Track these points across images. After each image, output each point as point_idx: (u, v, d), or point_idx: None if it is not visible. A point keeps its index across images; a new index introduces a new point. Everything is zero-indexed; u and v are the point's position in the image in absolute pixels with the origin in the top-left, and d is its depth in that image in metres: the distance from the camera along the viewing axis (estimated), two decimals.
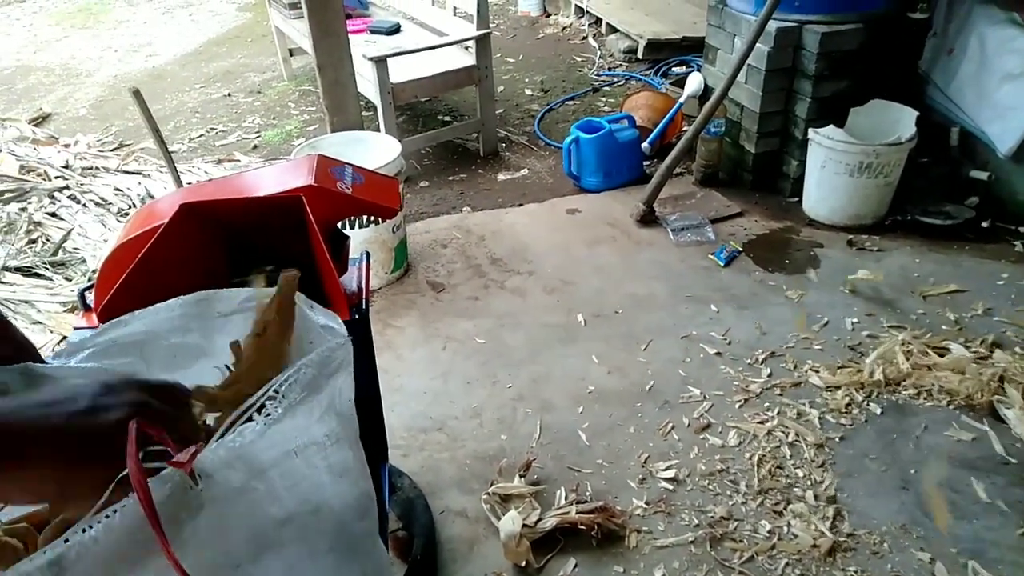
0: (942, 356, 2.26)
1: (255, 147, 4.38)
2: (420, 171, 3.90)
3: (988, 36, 2.85)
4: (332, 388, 0.67)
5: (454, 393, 2.32)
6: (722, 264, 2.84)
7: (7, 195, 3.41)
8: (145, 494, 0.48)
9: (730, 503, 1.89)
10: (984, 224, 2.93)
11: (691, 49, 4.83)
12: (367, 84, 3.59)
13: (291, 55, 5.34)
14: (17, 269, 2.94)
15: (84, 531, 0.47)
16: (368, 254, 1.57)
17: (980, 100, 2.91)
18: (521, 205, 3.45)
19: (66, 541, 0.47)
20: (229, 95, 5.30)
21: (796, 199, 3.23)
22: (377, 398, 1.88)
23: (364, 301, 1.45)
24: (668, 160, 3.10)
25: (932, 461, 1.96)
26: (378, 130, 3.56)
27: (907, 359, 2.25)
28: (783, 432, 2.07)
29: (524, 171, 3.82)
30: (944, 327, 2.40)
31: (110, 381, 0.54)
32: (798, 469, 1.96)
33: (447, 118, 4.54)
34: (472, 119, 4.04)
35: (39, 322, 2.68)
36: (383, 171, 2.52)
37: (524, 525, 1.80)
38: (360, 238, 2.65)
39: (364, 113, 4.41)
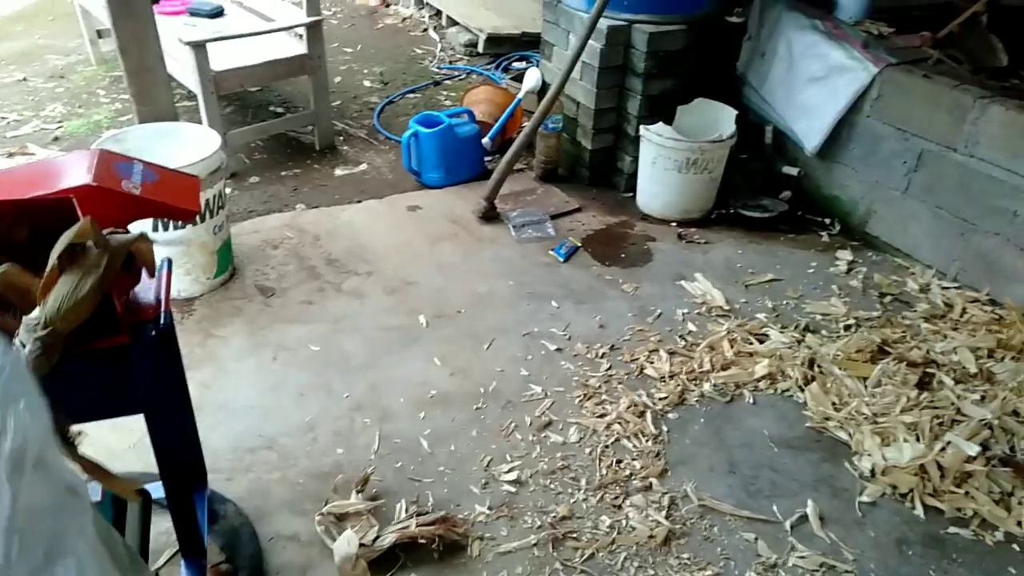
0: (762, 343, 2.40)
1: (56, 139, 3.89)
2: (249, 165, 3.64)
3: (794, 41, 3.07)
4: None
5: (285, 407, 2.16)
6: (562, 260, 2.87)
7: None
8: None
9: (571, 501, 1.89)
10: (799, 214, 3.17)
11: (531, 44, 4.87)
12: (185, 71, 3.28)
13: (99, 37, 4.79)
14: None
15: None
16: (169, 261, 1.39)
17: (788, 100, 3.14)
18: (359, 202, 3.31)
19: None
20: (25, 79, 4.68)
21: (631, 194, 3.33)
22: (189, 419, 1.70)
23: (163, 314, 1.28)
24: (507, 156, 3.08)
25: (756, 444, 2.07)
26: (200, 122, 3.27)
27: (732, 347, 2.37)
28: (621, 425, 2.11)
29: (363, 166, 3.67)
30: (763, 315, 2.56)
31: None
32: (636, 461, 2.00)
33: (280, 109, 4.28)
34: (306, 111, 3.83)
35: None
36: (200, 166, 2.30)
37: (361, 544, 1.70)
38: (173, 240, 2.40)
39: (186, 103, 4.07)
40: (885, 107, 2.80)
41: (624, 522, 1.83)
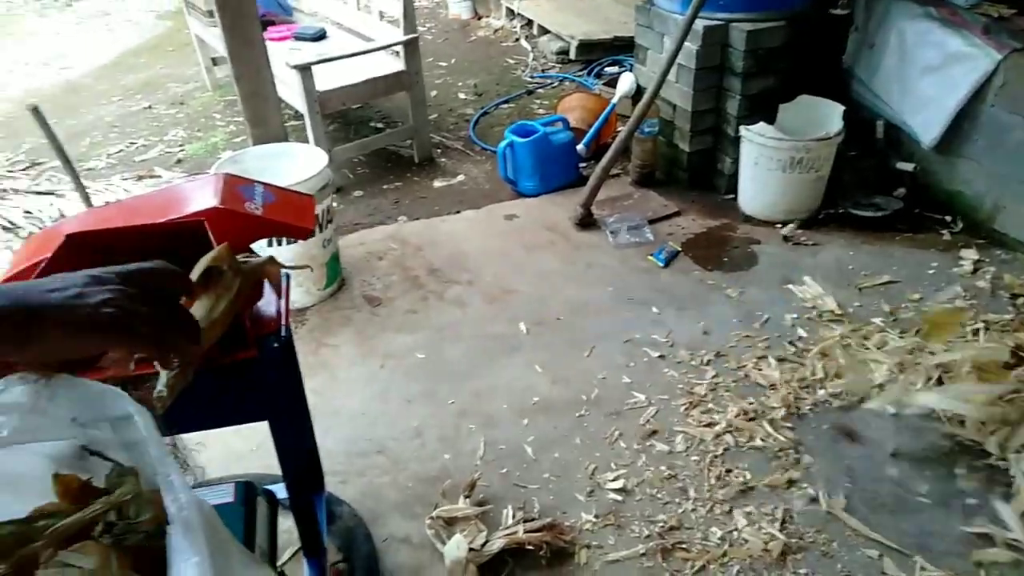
0: (880, 348, 2.28)
1: (179, 161, 4.19)
2: (353, 180, 3.78)
3: (907, 30, 2.91)
4: None
5: (394, 413, 2.23)
6: (662, 265, 2.82)
7: None
8: None
9: (680, 511, 1.85)
10: (916, 211, 2.99)
11: (622, 49, 4.84)
12: (293, 93, 3.46)
13: (214, 64, 5.14)
14: None
15: None
16: (288, 275, 1.47)
17: (902, 93, 2.97)
18: (458, 212, 3.38)
19: None
20: (150, 107, 5.07)
21: (732, 196, 3.24)
22: (308, 424, 1.78)
23: (284, 327, 1.35)
24: (604, 161, 3.07)
25: (876, 455, 1.96)
26: (307, 140, 3.44)
27: (846, 353, 2.26)
28: (730, 435, 2.05)
29: (460, 177, 3.75)
30: (880, 319, 2.43)
31: (96, 273, 0.64)
32: (746, 471, 1.94)
33: (379, 125, 4.43)
34: (405, 125, 3.95)
35: None
36: (309, 183, 2.41)
37: (470, 549, 1.73)
38: (286, 255, 2.52)
39: (293, 122, 4.28)
40: (1012, 95, 2.60)
41: (736, 534, 1.78)
